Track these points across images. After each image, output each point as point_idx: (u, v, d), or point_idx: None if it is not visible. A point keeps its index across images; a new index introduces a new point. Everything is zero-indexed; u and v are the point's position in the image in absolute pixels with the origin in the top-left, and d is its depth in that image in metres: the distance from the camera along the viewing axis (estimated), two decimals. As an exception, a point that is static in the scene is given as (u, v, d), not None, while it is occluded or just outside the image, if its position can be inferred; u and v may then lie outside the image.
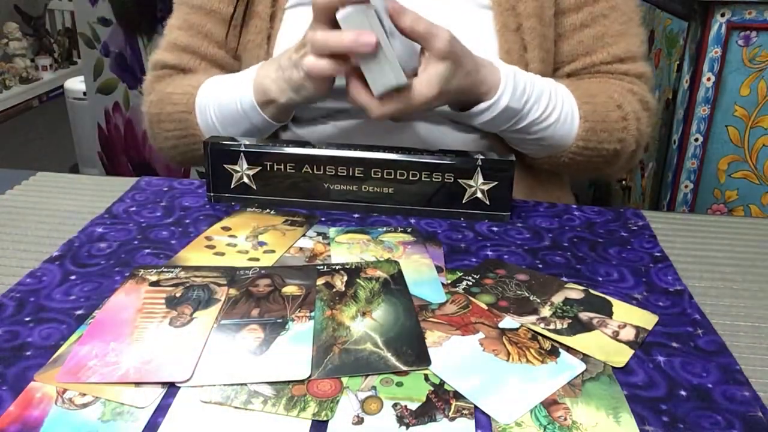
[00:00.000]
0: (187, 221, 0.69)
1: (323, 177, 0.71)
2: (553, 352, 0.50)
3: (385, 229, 0.68)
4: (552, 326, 0.53)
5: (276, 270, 0.60)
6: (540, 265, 0.63)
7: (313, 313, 0.53)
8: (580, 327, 0.53)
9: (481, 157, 0.69)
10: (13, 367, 0.47)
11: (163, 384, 0.45)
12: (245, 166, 0.71)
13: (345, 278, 0.58)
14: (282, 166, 0.71)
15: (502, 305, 0.56)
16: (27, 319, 0.52)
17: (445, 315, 0.54)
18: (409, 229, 0.68)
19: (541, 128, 0.76)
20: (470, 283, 0.59)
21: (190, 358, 0.47)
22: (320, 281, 0.58)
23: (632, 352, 0.51)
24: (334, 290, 0.56)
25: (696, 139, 1.39)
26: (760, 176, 1.41)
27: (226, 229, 0.67)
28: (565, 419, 0.44)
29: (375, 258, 0.62)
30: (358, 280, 0.58)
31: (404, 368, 0.47)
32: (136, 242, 0.64)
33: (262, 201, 0.72)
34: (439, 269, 0.61)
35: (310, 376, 0.46)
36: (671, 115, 1.43)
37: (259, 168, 0.71)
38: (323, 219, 0.70)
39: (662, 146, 1.45)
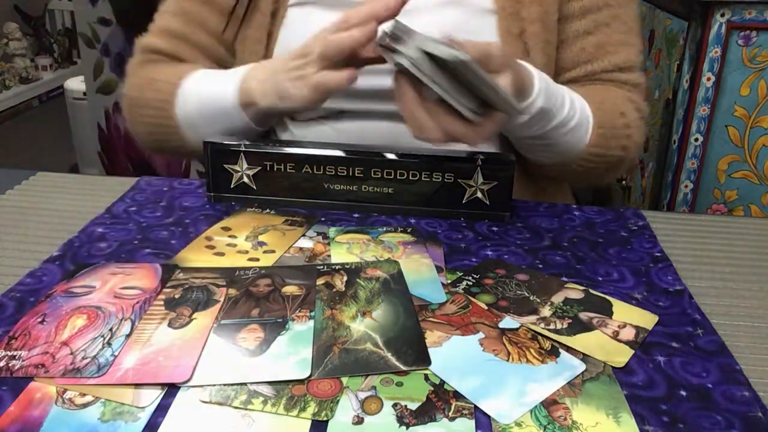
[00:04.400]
0: (187, 221, 0.69)
1: (323, 177, 0.71)
2: (553, 352, 0.50)
3: (385, 229, 0.68)
4: (552, 326, 0.53)
5: (276, 270, 0.60)
6: (540, 265, 0.63)
7: (313, 313, 0.53)
8: (580, 327, 0.53)
9: (481, 157, 0.69)
10: (13, 367, 0.47)
11: (163, 384, 0.45)
12: (245, 165, 0.71)
13: (345, 278, 0.58)
14: (282, 166, 0.71)
15: (502, 305, 0.56)
16: (27, 319, 0.52)
17: (445, 315, 0.54)
18: (409, 229, 0.68)
19: (562, 133, 0.75)
20: (470, 283, 0.59)
21: (189, 359, 0.47)
22: (320, 281, 0.58)
23: (632, 352, 0.51)
24: (334, 290, 0.56)
25: (696, 139, 1.39)
26: (760, 176, 1.41)
27: (226, 229, 0.67)
28: (565, 419, 0.44)
29: (375, 258, 0.62)
30: (358, 280, 0.58)
31: (404, 368, 0.47)
32: (136, 242, 0.64)
33: (262, 201, 0.72)
34: (439, 269, 0.61)
35: (310, 376, 0.46)
36: (671, 115, 1.43)
37: (259, 168, 0.71)
38: (323, 219, 0.70)
39: (662, 146, 1.45)
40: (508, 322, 0.54)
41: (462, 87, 0.60)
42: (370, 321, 0.52)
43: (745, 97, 1.35)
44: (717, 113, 1.37)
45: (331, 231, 0.67)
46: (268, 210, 0.71)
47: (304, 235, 0.66)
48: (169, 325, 0.51)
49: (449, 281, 0.59)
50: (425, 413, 0.44)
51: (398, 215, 0.71)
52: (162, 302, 0.54)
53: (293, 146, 0.71)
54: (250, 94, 0.74)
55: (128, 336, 0.49)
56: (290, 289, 0.56)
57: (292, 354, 0.48)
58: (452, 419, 0.43)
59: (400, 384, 0.46)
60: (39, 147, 3.03)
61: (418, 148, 0.71)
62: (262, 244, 0.64)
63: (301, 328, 0.51)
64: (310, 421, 0.43)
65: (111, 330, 0.50)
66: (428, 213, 0.71)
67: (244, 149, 0.71)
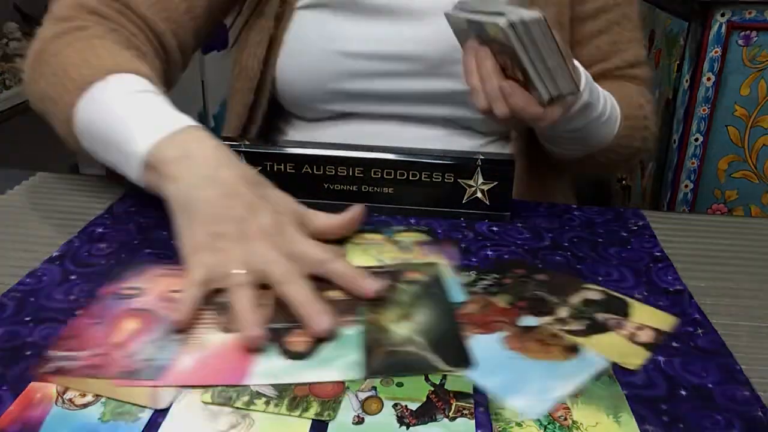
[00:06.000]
0: (187, 221, 0.69)
1: (323, 177, 0.71)
2: (576, 348, 0.50)
3: (400, 227, 0.68)
4: (568, 327, 0.53)
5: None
6: (540, 266, 0.63)
7: (356, 317, 0.52)
8: (596, 328, 0.53)
9: (481, 157, 0.69)
10: (13, 367, 0.47)
11: (222, 386, 0.45)
12: (245, 166, 0.71)
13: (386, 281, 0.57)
14: (282, 166, 0.71)
15: (521, 305, 0.55)
16: (27, 319, 0.52)
17: (466, 314, 0.54)
18: (424, 228, 0.68)
19: (597, 125, 0.75)
20: (489, 283, 0.58)
21: (244, 362, 0.47)
22: None
23: (648, 354, 0.50)
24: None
25: (696, 139, 1.39)
26: (760, 176, 1.41)
27: None
28: (566, 419, 0.44)
29: (393, 259, 0.62)
30: (398, 283, 0.57)
31: (448, 368, 0.47)
32: (136, 242, 0.64)
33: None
34: (456, 268, 0.60)
35: (364, 378, 0.46)
36: (671, 115, 1.43)
37: (259, 168, 0.71)
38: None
39: (662, 146, 1.45)
40: (528, 320, 0.54)
41: (542, 65, 0.62)
42: (412, 324, 0.52)
43: (745, 97, 1.35)
44: (717, 113, 1.37)
45: None
46: None
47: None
48: (221, 329, 0.50)
49: (466, 281, 0.59)
50: (425, 413, 0.44)
51: (398, 215, 0.71)
52: (214, 307, 0.53)
53: (293, 146, 0.71)
54: (161, 166, 0.57)
55: (181, 341, 0.49)
56: (333, 293, 0.55)
57: (341, 357, 0.48)
58: (452, 419, 0.43)
59: (400, 384, 0.46)
60: (39, 147, 3.03)
61: (418, 148, 0.71)
62: None
63: (348, 332, 0.51)
64: (310, 422, 0.43)
65: (164, 334, 0.50)
66: (428, 213, 0.71)
67: (244, 149, 0.70)
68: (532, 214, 0.73)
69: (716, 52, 1.32)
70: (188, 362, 0.47)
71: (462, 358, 0.49)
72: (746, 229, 0.73)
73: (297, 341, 0.49)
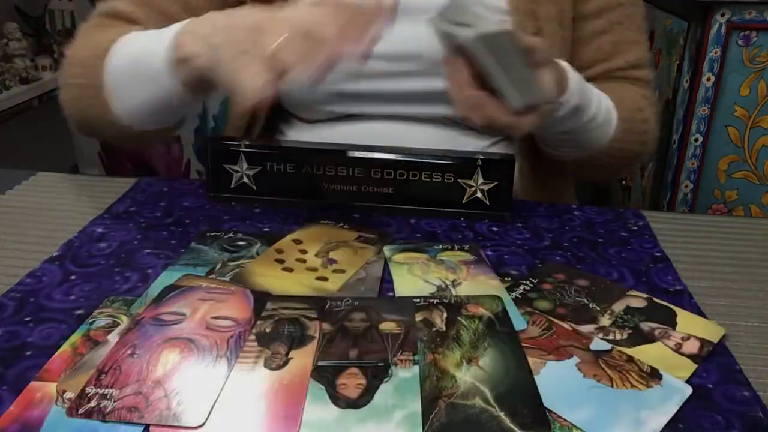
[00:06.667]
0: (187, 221, 0.69)
1: (323, 177, 0.71)
2: (655, 375, 0.47)
3: (441, 246, 0.65)
4: (611, 336, 0.51)
5: (370, 302, 0.55)
6: (540, 266, 0.63)
7: (416, 357, 0.47)
8: (640, 338, 0.51)
9: (481, 157, 0.69)
10: (13, 367, 0.47)
11: None
12: (245, 166, 0.71)
13: (445, 315, 0.52)
14: (282, 166, 0.71)
15: (560, 312, 0.54)
16: (27, 319, 0.52)
17: (531, 339, 0.50)
18: (466, 246, 0.65)
19: (590, 128, 0.75)
20: (527, 288, 0.57)
21: (293, 409, 0.43)
22: (418, 317, 0.52)
23: (695, 366, 0.49)
24: (434, 329, 0.51)
25: (696, 139, 1.39)
26: (760, 176, 1.41)
27: (297, 242, 0.64)
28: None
29: (440, 280, 0.58)
30: (459, 318, 0.52)
31: None
32: (136, 242, 0.64)
33: (262, 201, 0.72)
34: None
35: None
36: (671, 115, 1.43)
37: (259, 168, 0.71)
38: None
39: (662, 146, 1.45)
40: (599, 343, 0.51)
41: (510, 75, 0.62)
42: (477, 370, 0.46)
43: (745, 97, 1.35)
44: (717, 113, 1.37)
45: (387, 250, 0.64)
46: (341, 224, 0.68)
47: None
48: (266, 365, 0.46)
49: (505, 287, 0.57)
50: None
51: (398, 215, 0.71)
52: (254, 337, 0.49)
53: (293, 146, 0.71)
54: (183, 48, 0.62)
55: (225, 377, 0.45)
56: (388, 326, 0.50)
57: (399, 407, 0.43)
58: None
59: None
60: (39, 147, 3.03)
61: (418, 148, 0.71)
62: (332, 261, 0.61)
63: (406, 374, 0.46)
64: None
65: (207, 369, 0.46)
66: (428, 213, 0.71)
67: (244, 149, 0.71)
68: (532, 214, 0.73)
69: (716, 52, 1.32)
70: (233, 406, 0.43)
71: (539, 420, 0.43)
72: (746, 230, 0.73)
73: (349, 384, 0.45)
